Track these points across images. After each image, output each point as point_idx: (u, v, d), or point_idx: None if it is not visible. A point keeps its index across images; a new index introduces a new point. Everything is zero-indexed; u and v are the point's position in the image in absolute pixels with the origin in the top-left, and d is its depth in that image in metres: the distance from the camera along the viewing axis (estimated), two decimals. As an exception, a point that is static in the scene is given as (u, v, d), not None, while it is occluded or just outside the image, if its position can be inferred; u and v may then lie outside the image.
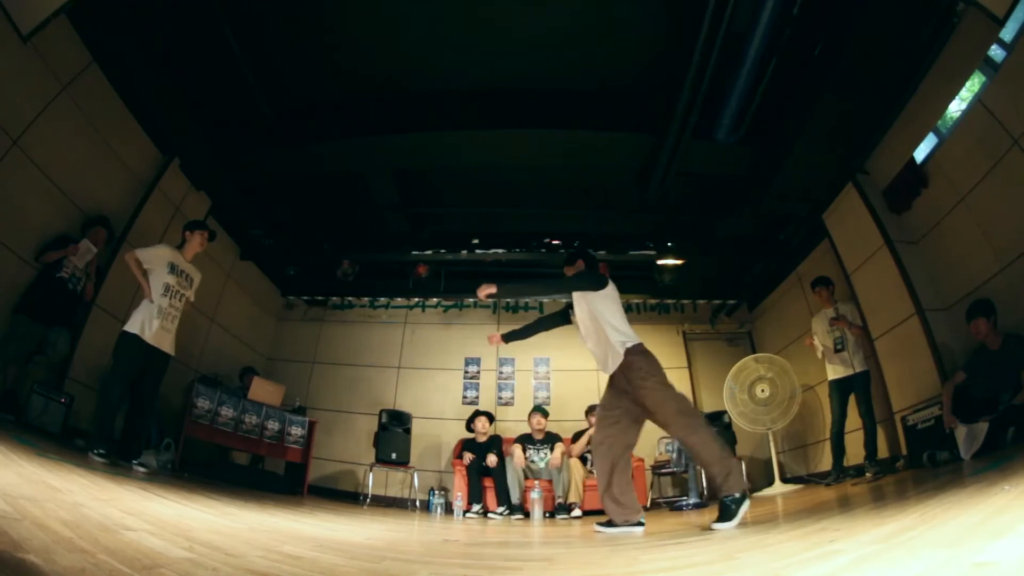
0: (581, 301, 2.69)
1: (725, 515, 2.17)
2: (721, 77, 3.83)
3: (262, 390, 4.96)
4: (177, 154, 4.79)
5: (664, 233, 5.85)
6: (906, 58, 3.77)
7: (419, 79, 4.59)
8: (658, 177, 4.76)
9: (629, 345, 2.53)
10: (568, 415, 5.96)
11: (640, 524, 2.52)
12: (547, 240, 5.90)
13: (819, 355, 4.69)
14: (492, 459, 4.97)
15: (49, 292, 3.59)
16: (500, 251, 5.86)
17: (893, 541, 1.14)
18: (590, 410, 5.26)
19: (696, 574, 1.17)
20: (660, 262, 5.85)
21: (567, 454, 4.97)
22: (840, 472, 4.36)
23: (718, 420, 5.67)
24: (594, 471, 2.86)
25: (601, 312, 2.61)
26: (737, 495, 2.17)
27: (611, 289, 2.70)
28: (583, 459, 5.05)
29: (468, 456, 5.11)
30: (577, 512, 4.67)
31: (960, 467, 3.04)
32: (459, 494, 5.02)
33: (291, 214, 6.07)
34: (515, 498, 4.76)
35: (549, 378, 6.62)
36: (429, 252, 5.96)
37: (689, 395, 6.54)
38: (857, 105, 4.00)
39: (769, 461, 5.25)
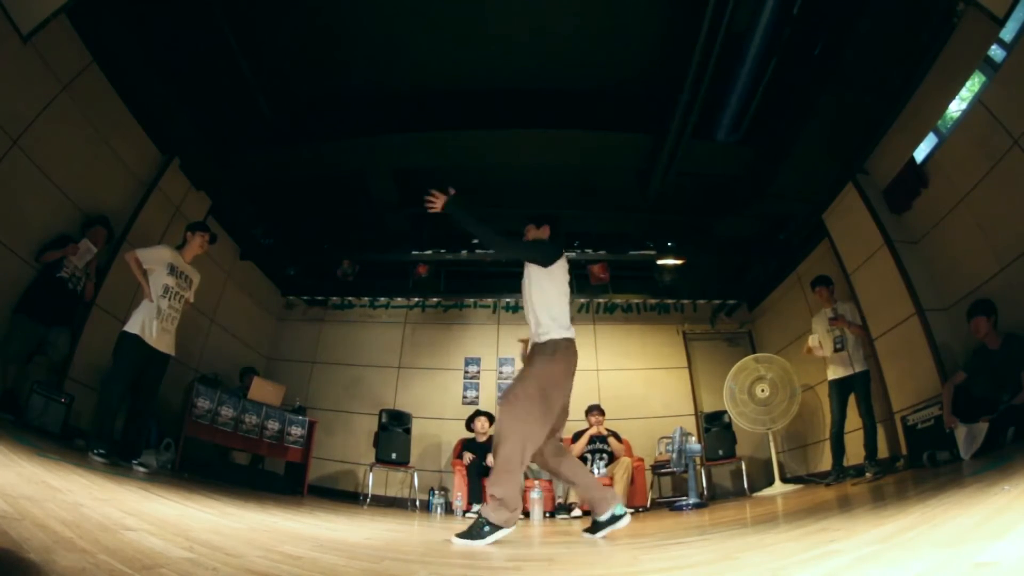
0: (528, 268, 2.54)
1: (471, 532, 2.06)
2: (721, 77, 3.83)
3: (262, 390, 4.96)
4: (177, 154, 4.78)
5: (664, 233, 5.85)
6: (906, 58, 3.77)
7: (419, 79, 4.59)
8: (658, 177, 4.76)
9: (547, 338, 2.35)
10: (568, 415, 5.95)
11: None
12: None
13: (822, 354, 4.66)
14: (492, 459, 4.96)
15: (49, 292, 3.59)
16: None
17: (893, 541, 1.14)
18: (590, 410, 5.27)
19: (696, 574, 1.17)
20: (660, 262, 5.85)
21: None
22: (840, 472, 4.35)
23: (718, 420, 5.67)
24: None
25: (537, 289, 2.46)
26: (488, 526, 2.06)
27: (557, 268, 2.50)
28: (583, 459, 5.05)
29: (468, 456, 5.11)
30: (577, 512, 4.67)
31: (960, 467, 3.04)
32: (459, 494, 5.02)
33: (291, 214, 6.07)
34: (515, 498, 4.76)
35: (549, 378, 6.61)
36: (429, 252, 5.96)
37: (689, 395, 6.54)
38: (857, 105, 4.00)
39: (769, 461, 5.25)
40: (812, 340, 4.71)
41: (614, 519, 2.26)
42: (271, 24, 4.07)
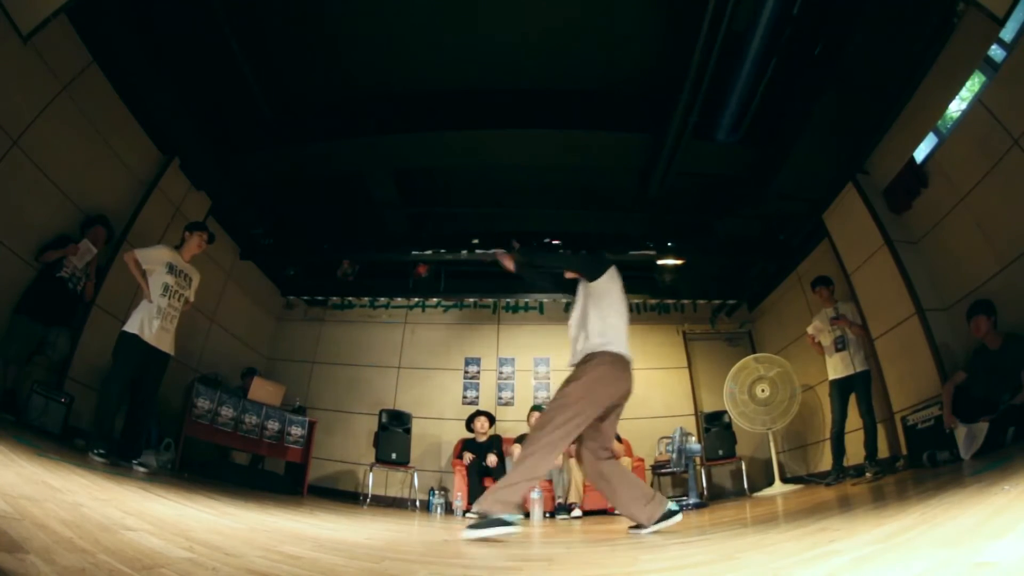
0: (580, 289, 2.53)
1: (480, 524, 2.02)
2: (721, 77, 3.83)
3: (262, 390, 4.96)
4: (177, 154, 4.78)
5: (664, 233, 5.85)
6: (906, 58, 3.77)
7: (419, 79, 4.59)
8: (658, 177, 4.76)
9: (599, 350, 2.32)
10: (568, 415, 5.95)
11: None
12: (547, 240, 5.89)
13: (820, 341, 4.67)
14: (492, 459, 4.97)
15: (49, 292, 3.59)
16: (500, 251, 5.85)
17: (893, 541, 1.14)
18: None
19: (696, 574, 1.17)
20: (660, 262, 5.85)
21: (567, 454, 4.97)
22: (840, 472, 4.35)
23: (718, 420, 5.67)
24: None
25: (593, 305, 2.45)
26: (494, 517, 2.02)
27: (606, 281, 2.49)
28: (583, 459, 5.05)
29: (468, 456, 5.11)
30: (577, 512, 4.67)
31: (960, 467, 3.04)
32: (459, 494, 5.02)
33: (291, 214, 6.07)
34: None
35: (549, 378, 6.61)
36: (429, 252, 5.96)
37: (689, 395, 6.54)
38: (857, 105, 4.00)
39: (769, 461, 5.25)
40: (812, 328, 4.73)
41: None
42: (271, 24, 4.07)
